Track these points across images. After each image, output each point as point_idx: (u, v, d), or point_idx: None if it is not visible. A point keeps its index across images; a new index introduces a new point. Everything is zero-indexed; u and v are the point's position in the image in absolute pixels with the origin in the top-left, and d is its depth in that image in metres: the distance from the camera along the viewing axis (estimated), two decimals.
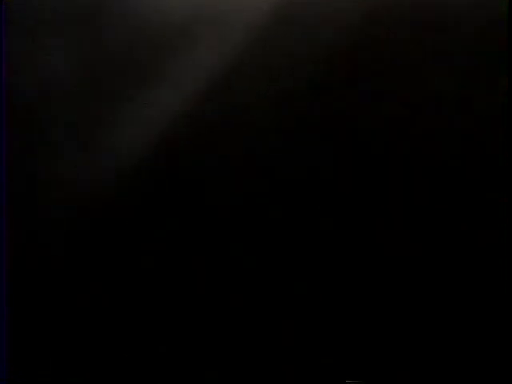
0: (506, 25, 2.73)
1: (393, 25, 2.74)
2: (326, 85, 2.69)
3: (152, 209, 2.72)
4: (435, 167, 2.70)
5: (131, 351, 2.63)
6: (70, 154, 2.74)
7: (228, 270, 2.69)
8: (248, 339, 2.65)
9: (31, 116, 2.77)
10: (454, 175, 2.69)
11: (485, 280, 2.64)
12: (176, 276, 2.69)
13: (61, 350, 2.62)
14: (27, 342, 2.62)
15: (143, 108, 2.71)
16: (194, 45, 2.72)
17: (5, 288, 2.64)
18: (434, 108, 2.73)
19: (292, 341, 2.65)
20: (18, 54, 2.72)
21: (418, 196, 2.70)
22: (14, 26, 2.74)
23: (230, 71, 2.71)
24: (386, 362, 2.61)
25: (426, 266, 2.67)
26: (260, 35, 2.72)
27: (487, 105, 2.71)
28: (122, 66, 2.73)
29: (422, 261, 2.67)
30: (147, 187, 2.72)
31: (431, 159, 2.70)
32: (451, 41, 2.74)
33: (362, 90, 2.71)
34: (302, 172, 2.72)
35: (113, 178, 2.73)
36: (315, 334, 2.65)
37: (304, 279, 2.68)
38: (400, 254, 2.67)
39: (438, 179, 2.70)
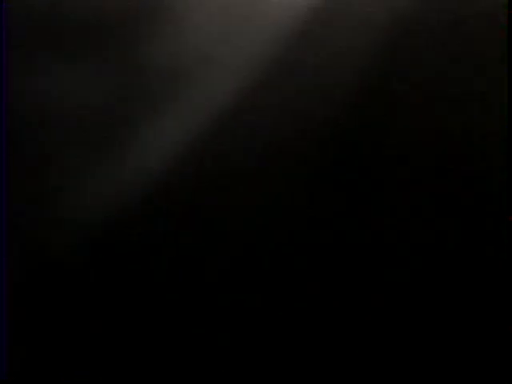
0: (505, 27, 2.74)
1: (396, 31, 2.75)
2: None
3: (155, 218, 2.73)
4: (434, 168, 2.71)
5: (131, 351, 2.64)
6: (73, 176, 2.75)
7: (229, 269, 2.70)
8: (247, 341, 2.66)
9: (32, 127, 2.77)
10: (454, 176, 2.70)
11: (484, 280, 2.65)
12: (175, 279, 2.70)
13: (61, 350, 2.62)
14: (27, 341, 2.63)
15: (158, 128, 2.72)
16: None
17: (5, 288, 2.64)
18: (433, 108, 2.74)
19: (291, 343, 2.66)
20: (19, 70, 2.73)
21: (417, 197, 2.71)
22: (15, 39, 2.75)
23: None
24: (385, 363, 2.62)
25: (426, 272, 2.68)
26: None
27: (488, 104, 2.73)
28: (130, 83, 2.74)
29: (422, 265, 2.68)
30: (156, 200, 2.73)
31: (431, 159, 2.71)
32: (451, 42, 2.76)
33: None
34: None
35: (119, 193, 2.74)
36: (313, 337, 2.66)
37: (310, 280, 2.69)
38: (399, 256, 2.68)
39: (437, 180, 2.71)
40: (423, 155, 2.72)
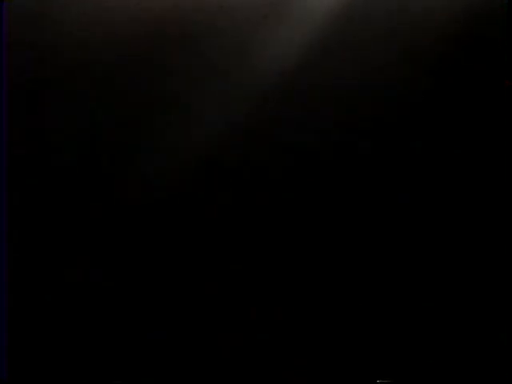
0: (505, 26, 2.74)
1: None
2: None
3: (152, 214, 2.72)
4: (435, 168, 2.70)
5: (130, 351, 2.63)
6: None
7: (228, 270, 2.69)
8: (246, 340, 2.65)
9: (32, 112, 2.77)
10: (454, 176, 2.69)
11: (484, 280, 2.64)
12: (173, 281, 2.68)
13: (60, 351, 2.62)
14: (27, 342, 2.62)
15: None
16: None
17: (5, 288, 2.63)
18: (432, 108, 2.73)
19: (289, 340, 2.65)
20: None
21: (417, 198, 2.70)
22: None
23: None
24: (385, 361, 2.61)
25: (426, 272, 2.67)
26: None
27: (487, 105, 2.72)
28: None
29: (422, 266, 2.67)
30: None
31: (431, 160, 2.70)
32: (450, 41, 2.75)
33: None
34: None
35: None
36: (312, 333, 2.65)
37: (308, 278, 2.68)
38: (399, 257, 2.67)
39: (437, 180, 2.70)
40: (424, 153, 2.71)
